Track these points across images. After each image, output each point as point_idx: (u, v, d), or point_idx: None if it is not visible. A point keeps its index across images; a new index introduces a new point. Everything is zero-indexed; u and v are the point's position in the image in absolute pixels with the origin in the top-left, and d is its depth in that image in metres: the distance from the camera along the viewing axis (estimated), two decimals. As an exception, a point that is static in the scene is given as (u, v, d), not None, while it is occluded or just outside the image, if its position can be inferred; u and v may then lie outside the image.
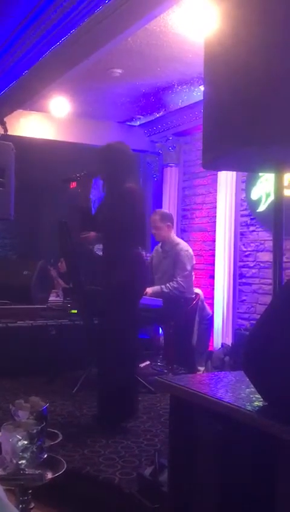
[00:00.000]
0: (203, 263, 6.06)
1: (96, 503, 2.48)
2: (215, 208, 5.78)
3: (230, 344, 5.29)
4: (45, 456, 1.69)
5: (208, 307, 5.50)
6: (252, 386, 1.54)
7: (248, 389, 1.61)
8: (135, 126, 6.76)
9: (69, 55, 4.25)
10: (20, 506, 1.66)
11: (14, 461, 1.61)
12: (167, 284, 4.74)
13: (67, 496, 2.44)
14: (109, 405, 3.32)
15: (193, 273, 5.06)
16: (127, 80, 5.21)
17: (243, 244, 5.51)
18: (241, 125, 1.61)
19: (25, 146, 5.60)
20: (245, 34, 1.60)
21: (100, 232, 3.47)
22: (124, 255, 3.35)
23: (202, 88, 4.52)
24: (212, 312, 5.55)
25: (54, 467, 1.76)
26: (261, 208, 5.22)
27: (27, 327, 4.78)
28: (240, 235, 5.54)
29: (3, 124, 5.43)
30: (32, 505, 1.73)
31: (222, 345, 5.32)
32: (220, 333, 5.49)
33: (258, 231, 5.35)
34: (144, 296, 4.32)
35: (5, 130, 5.44)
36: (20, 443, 1.61)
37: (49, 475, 1.72)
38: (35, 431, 1.64)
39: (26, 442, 1.61)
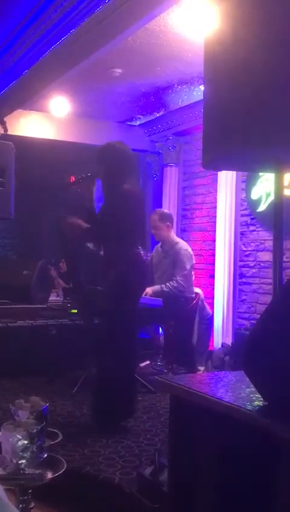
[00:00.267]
0: (203, 263, 6.06)
1: (96, 503, 2.48)
2: (216, 207, 5.78)
3: (230, 344, 5.29)
4: (45, 455, 1.69)
5: (208, 307, 5.50)
6: (252, 385, 1.54)
7: (248, 389, 1.61)
8: (135, 126, 6.76)
9: (69, 55, 4.25)
10: (20, 505, 1.65)
11: (14, 461, 1.61)
12: (167, 283, 4.75)
13: (67, 495, 2.44)
14: (107, 405, 3.32)
15: (192, 273, 5.06)
16: (127, 79, 5.21)
17: (243, 244, 5.51)
18: (241, 125, 1.61)
19: (25, 146, 5.60)
20: (245, 34, 1.60)
21: (100, 231, 3.46)
22: (124, 255, 3.35)
23: (202, 88, 4.52)
24: (213, 312, 5.55)
25: (54, 466, 1.76)
26: (262, 207, 5.22)
27: (27, 327, 4.77)
28: (240, 235, 5.54)
29: (3, 124, 5.43)
30: (32, 504, 1.73)
31: (222, 345, 5.32)
32: (220, 333, 5.49)
33: (258, 231, 5.35)
34: (144, 296, 4.32)
35: (5, 129, 5.44)
36: (20, 443, 1.61)
37: (49, 475, 1.72)
38: (35, 431, 1.63)
39: (26, 442, 1.61)
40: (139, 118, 6.53)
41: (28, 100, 5.41)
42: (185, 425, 1.73)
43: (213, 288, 5.69)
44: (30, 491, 1.68)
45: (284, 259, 1.99)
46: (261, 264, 5.27)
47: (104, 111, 6.24)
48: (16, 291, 5.11)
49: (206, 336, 5.42)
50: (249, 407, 1.45)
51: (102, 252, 3.56)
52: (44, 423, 1.69)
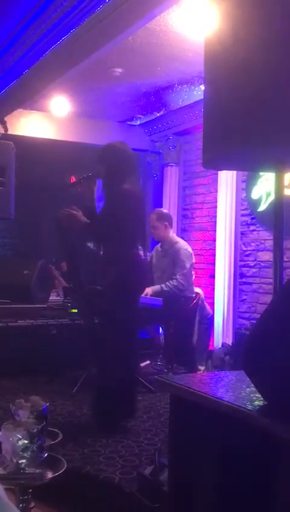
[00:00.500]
0: (203, 262, 6.06)
1: (96, 503, 2.48)
2: (216, 207, 5.78)
3: (230, 343, 5.29)
4: (45, 455, 1.69)
5: (208, 307, 5.50)
6: (252, 385, 1.54)
7: (248, 389, 1.61)
8: (135, 125, 6.76)
9: (70, 55, 4.25)
10: (21, 505, 1.66)
11: (15, 460, 1.61)
12: (167, 283, 4.75)
13: (68, 495, 2.44)
14: (107, 404, 3.32)
15: (192, 272, 5.06)
16: (128, 79, 5.21)
17: (244, 244, 5.51)
18: (242, 125, 1.61)
19: (25, 145, 5.60)
20: (245, 34, 1.60)
21: (100, 231, 3.46)
22: (124, 255, 3.35)
23: (202, 87, 4.52)
24: (213, 311, 5.55)
25: (54, 466, 1.76)
26: (262, 207, 5.22)
27: (27, 326, 4.78)
28: (240, 235, 5.54)
29: (4, 123, 5.43)
30: (33, 504, 1.73)
31: (223, 345, 5.32)
32: (221, 332, 5.49)
33: (258, 230, 5.35)
34: (144, 296, 4.32)
35: (6, 129, 5.44)
36: (20, 442, 1.61)
37: (50, 474, 1.72)
38: (35, 430, 1.64)
39: (26, 442, 1.61)
40: (140, 117, 6.53)
41: (28, 100, 5.41)
42: (185, 425, 1.73)
43: (213, 288, 5.69)
44: (30, 490, 1.68)
45: (285, 259, 1.99)
46: (262, 264, 5.27)
47: (105, 111, 6.24)
48: (16, 291, 5.11)
49: (207, 336, 5.42)
50: (249, 407, 1.45)
51: (101, 252, 3.55)
52: (44, 423, 1.69)
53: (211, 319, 5.50)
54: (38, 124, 6.25)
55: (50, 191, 6.20)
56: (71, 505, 2.44)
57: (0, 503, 0.99)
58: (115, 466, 2.69)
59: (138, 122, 6.71)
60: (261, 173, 4.99)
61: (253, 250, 5.39)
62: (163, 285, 4.74)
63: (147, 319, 4.46)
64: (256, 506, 1.48)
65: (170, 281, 4.76)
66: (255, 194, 5.31)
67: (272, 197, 4.86)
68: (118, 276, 3.33)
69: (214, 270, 5.73)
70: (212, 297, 5.66)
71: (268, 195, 5.10)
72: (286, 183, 1.87)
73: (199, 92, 5.38)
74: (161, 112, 6.28)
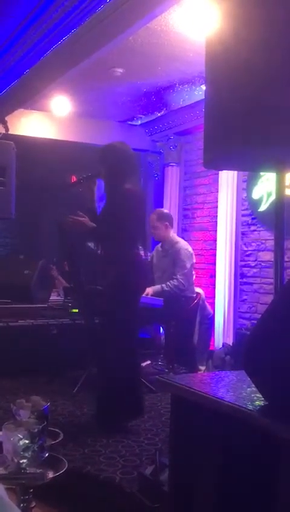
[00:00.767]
0: (204, 262, 6.06)
1: (97, 502, 2.48)
2: (217, 207, 5.78)
3: (231, 343, 5.29)
4: (46, 455, 1.69)
5: (209, 307, 5.50)
6: (253, 385, 1.54)
7: (249, 389, 1.61)
8: (136, 125, 6.76)
9: (70, 55, 4.25)
10: (21, 505, 1.66)
11: (16, 460, 1.61)
12: (167, 283, 4.75)
13: (68, 495, 2.44)
14: (107, 405, 3.32)
15: (193, 272, 5.06)
16: (128, 79, 5.21)
17: (244, 244, 5.51)
18: (242, 125, 1.61)
19: (26, 145, 5.60)
20: (246, 34, 1.60)
21: (101, 231, 3.46)
22: (124, 255, 3.36)
23: (203, 87, 4.52)
24: (213, 311, 5.55)
25: (55, 466, 1.76)
26: (263, 207, 5.22)
27: (28, 326, 4.78)
28: (241, 235, 5.54)
29: (5, 123, 5.43)
30: (34, 504, 1.73)
31: (223, 345, 5.32)
32: (221, 333, 5.49)
33: (259, 230, 5.35)
34: (145, 296, 4.32)
35: (6, 129, 5.45)
36: (21, 442, 1.61)
37: (50, 474, 1.72)
38: (36, 430, 1.64)
39: (27, 442, 1.61)
40: (140, 117, 6.53)
41: (29, 99, 5.41)
42: (186, 425, 1.73)
43: (214, 288, 5.69)
44: (31, 490, 1.68)
45: (286, 259, 1.98)
46: (262, 264, 5.27)
47: (105, 110, 6.24)
48: (16, 291, 5.12)
49: (207, 336, 5.42)
50: (250, 407, 1.45)
51: (100, 251, 3.55)
52: (45, 423, 1.69)
53: (211, 319, 5.50)
54: (39, 124, 6.25)
55: (51, 191, 6.21)
56: (72, 504, 2.44)
57: (2, 503, 0.99)
58: (116, 466, 2.69)
59: (139, 122, 6.71)
60: (262, 173, 4.98)
61: (254, 250, 5.39)
62: (164, 285, 4.74)
63: (147, 318, 4.46)
64: (256, 506, 1.48)
65: (171, 281, 4.76)
66: (256, 194, 5.31)
67: (272, 197, 4.86)
68: (119, 276, 3.33)
69: (214, 270, 5.73)
70: (213, 297, 5.66)
71: (269, 195, 5.10)
72: (286, 183, 1.87)
73: (199, 92, 5.38)
74: (162, 112, 6.28)
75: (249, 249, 5.45)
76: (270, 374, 1.45)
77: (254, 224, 5.42)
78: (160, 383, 1.91)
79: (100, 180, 3.56)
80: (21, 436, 1.61)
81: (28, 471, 1.62)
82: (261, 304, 5.23)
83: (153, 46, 4.47)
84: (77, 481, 2.54)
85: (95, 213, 3.49)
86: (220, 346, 5.36)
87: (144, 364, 4.85)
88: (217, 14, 1.72)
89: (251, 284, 5.39)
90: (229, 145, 1.68)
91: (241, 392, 1.61)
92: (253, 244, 5.41)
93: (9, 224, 6.95)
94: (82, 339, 4.27)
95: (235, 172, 5.30)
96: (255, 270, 5.36)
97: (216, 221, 5.78)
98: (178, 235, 5.81)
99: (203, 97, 1.85)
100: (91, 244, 3.71)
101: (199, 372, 4.86)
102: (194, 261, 5.11)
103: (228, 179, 5.55)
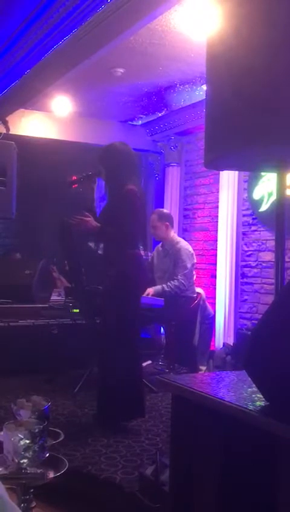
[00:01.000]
0: (205, 263, 6.06)
1: (97, 502, 2.48)
2: (217, 207, 5.78)
3: (232, 344, 5.29)
4: (47, 455, 1.69)
5: (209, 307, 5.50)
6: (253, 385, 1.54)
7: (249, 389, 1.61)
8: (136, 125, 6.76)
9: (71, 55, 4.25)
10: (22, 505, 1.66)
11: (16, 460, 1.62)
12: (168, 283, 4.75)
13: (69, 494, 2.44)
14: (109, 405, 3.32)
15: (193, 272, 5.06)
16: (129, 79, 5.21)
17: (245, 244, 5.51)
18: (243, 125, 1.61)
19: (27, 145, 5.60)
20: (247, 34, 1.60)
21: (101, 231, 3.46)
22: (125, 255, 3.36)
23: (204, 87, 4.51)
24: (214, 311, 5.55)
25: (56, 466, 1.77)
26: (263, 207, 5.22)
27: (29, 326, 4.78)
28: (242, 235, 5.54)
29: (6, 123, 5.44)
30: (34, 503, 1.73)
31: (224, 345, 5.32)
32: (222, 333, 5.49)
33: (260, 231, 5.35)
34: (146, 296, 4.32)
35: (7, 129, 5.45)
36: (22, 442, 1.61)
37: (51, 474, 1.73)
38: (37, 430, 1.64)
39: (28, 441, 1.62)
40: (141, 117, 6.53)
41: (30, 100, 5.40)
42: (187, 425, 1.73)
43: (215, 288, 5.69)
44: (32, 490, 1.68)
45: (286, 259, 1.98)
46: (263, 264, 5.27)
47: (106, 111, 6.23)
48: (17, 291, 5.12)
49: (208, 336, 5.42)
50: (250, 407, 1.45)
51: (100, 251, 3.56)
52: (46, 423, 1.69)
53: (212, 319, 5.50)
54: (40, 124, 6.25)
55: (51, 190, 6.21)
56: (72, 504, 2.44)
57: (2, 503, 0.99)
58: (116, 466, 2.69)
59: (140, 122, 6.71)
60: (262, 173, 4.98)
61: (254, 250, 5.39)
62: (164, 286, 4.74)
63: (148, 319, 4.46)
64: (257, 506, 1.48)
65: (171, 281, 4.76)
66: (256, 194, 5.31)
67: (273, 197, 4.86)
68: (119, 276, 3.34)
69: (215, 270, 5.72)
70: (214, 298, 5.66)
71: (270, 195, 5.10)
72: (287, 183, 1.87)
73: (200, 92, 5.38)
74: (163, 112, 6.28)
75: (250, 249, 5.45)
76: (271, 374, 1.45)
77: (254, 225, 5.42)
78: (161, 383, 1.91)
79: (101, 180, 3.57)
80: (22, 436, 1.61)
81: (28, 471, 1.62)
82: (262, 304, 5.23)
83: (154, 46, 4.47)
84: (78, 481, 2.54)
85: (94, 213, 3.49)
86: (221, 346, 5.36)
87: (144, 364, 4.85)
88: (218, 14, 1.71)
89: (252, 284, 5.39)
90: (230, 145, 1.68)
91: (242, 392, 1.61)
92: (254, 244, 5.41)
93: (10, 224, 6.95)
94: (83, 339, 4.27)
95: (236, 172, 5.30)
96: (256, 270, 5.36)
97: (217, 222, 5.78)
98: (179, 235, 5.82)
99: (204, 97, 1.85)
100: (92, 244, 3.71)
101: (200, 372, 4.85)
102: (195, 261, 5.11)
103: (228, 179, 5.55)
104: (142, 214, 3.60)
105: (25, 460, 1.62)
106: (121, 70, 4.99)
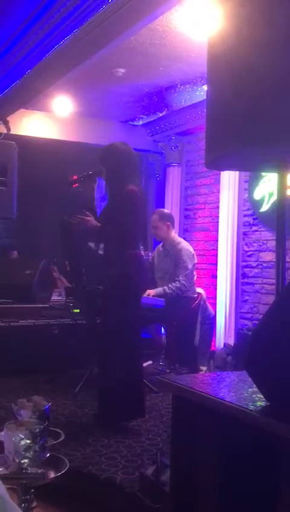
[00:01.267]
0: (205, 263, 6.06)
1: (97, 502, 2.48)
2: (218, 207, 5.78)
3: (232, 344, 5.29)
4: (47, 455, 1.69)
5: (210, 307, 5.50)
6: (254, 385, 1.54)
7: (250, 389, 1.61)
8: (137, 125, 6.76)
9: (72, 55, 4.25)
10: (23, 505, 1.66)
11: (17, 460, 1.62)
12: (169, 285, 4.73)
13: (69, 495, 2.44)
14: (110, 405, 3.32)
15: (194, 272, 5.06)
16: (130, 79, 5.21)
17: (246, 244, 5.51)
18: (244, 125, 1.61)
19: (27, 145, 5.60)
20: (248, 34, 1.60)
21: (101, 231, 3.46)
22: (125, 255, 3.36)
23: (205, 87, 4.50)
24: (215, 312, 5.55)
25: (56, 466, 1.77)
26: (264, 207, 5.22)
27: (29, 326, 4.78)
28: (242, 235, 5.54)
29: (6, 123, 5.44)
30: (35, 503, 1.73)
31: (224, 345, 5.32)
32: (223, 333, 5.49)
33: (261, 231, 5.35)
34: (146, 296, 4.32)
35: (8, 129, 5.45)
36: (22, 442, 1.61)
37: (52, 474, 1.73)
38: (37, 430, 1.64)
39: (28, 441, 1.62)
40: (142, 117, 6.53)
41: (30, 100, 5.40)
42: (187, 425, 1.73)
43: (215, 288, 5.69)
44: (32, 490, 1.68)
45: (287, 259, 1.98)
46: (264, 264, 5.27)
47: (107, 111, 6.24)
48: (18, 291, 5.12)
49: (209, 336, 5.42)
50: (251, 407, 1.45)
51: (100, 252, 3.56)
52: (46, 423, 1.69)
53: (213, 320, 5.50)
54: (41, 124, 6.25)
55: (52, 191, 6.21)
56: (73, 504, 2.44)
57: (3, 503, 0.99)
58: (117, 466, 2.69)
59: (141, 123, 6.71)
60: (263, 173, 4.98)
61: (255, 250, 5.39)
62: (165, 288, 4.72)
63: (149, 319, 4.46)
64: (258, 506, 1.48)
65: (173, 283, 4.74)
66: (257, 195, 5.31)
67: (274, 198, 4.86)
68: (120, 276, 3.34)
69: (216, 270, 5.72)
70: (214, 298, 5.66)
71: (270, 195, 5.10)
72: (288, 183, 1.87)
73: (201, 92, 5.38)
74: (164, 112, 6.28)
75: (251, 249, 5.44)
76: (271, 374, 1.45)
77: (255, 225, 5.41)
78: (161, 383, 1.91)
79: (101, 180, 3.57)
80: (22, 436, 1.61)
81: (29, 471, 1.62)
82: (262, 304, 5.23)
83: (155, 46, 4.46)
84: (78, 481, 2.54)
85: (95, 212, 3.50)
86: (222, 346, 5.36)
87: (145, 364, 4.85)
88: (219, 15, 1.72)
89: (253, 284, 5.38)
90: (230, 145, 1.68)
91: (242, 392, 1.61)
92: (254, 244, 5.41)
93: (10, 224, 6.95)
94: (83, 339, 4.27)
95: (237, 172, 5.29)
96: (256, 270, 5.35)
97: (218, 222, 5.78)
98: (179, 235, 5.81)
99: (205, 97, 1.85)
100: (92, 244, 3.72)
101: (200, 372, 4.85)
102: (196, 261, 5.11)
103: (229, 179, 5.55)
104: (142, 214, 3.60)
105: (26, 460, 1.62)
106: (122, 70, 4.99)
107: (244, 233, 5.53)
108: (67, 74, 4.66)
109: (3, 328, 4.64)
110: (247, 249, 5.49)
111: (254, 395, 1.55)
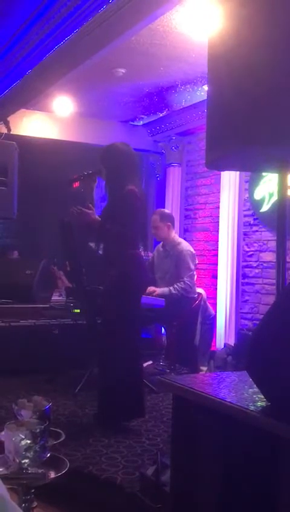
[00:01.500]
0: (206, 263, 6.06)
1: (98, 503, 2.48)
2: (218, 207, 5.78)
3: (233, 344, 5.29)
4: (48, 455, 1.69)
5: (210, 307, 5.50)
6: (255, 386, 1.54)
7: (250, 389, 1.61)
8: (138, 126, 6.76)
9: (73, 55, 4.25)
10: (23, 505, 1.66)
11: (17, 460, 1.62)
12: (175, 285, 4.71)
13: (70, 495, 2.44)
14: (110, 405, 3.32)
15: (194, 272, 5.06)
16: (131, 79, 5.21)
17: (246, 244, 5.51)
18: (244, 125, 1.61)
19: (28, 145, 5.61)
20: (248, 34, 1.60)
21: (101, 231, 3.47)
22: (125, 255, 3.36)
23: (205, 88, 4.50)
24: (215, 312, 5.55)
25: (57, 466, 1.77)
26: (265, 208, 5.22)
27: (30, 326, 4.78)
28: (243, 235, 5.54)
29: (7, 124, 5.43)
30: (35, 503, 1.74)
31: (225, 345, 5.32)
32: (223, 333, 5.49)
33: (261, 231, 5.35)
34: (149, 296, 4.32)
35: (9, 129, 5.45)
36: (23, 442, 1.61)
37: (52, 474, 1.73)
38: (38, 430, 1.64)
39: (29, 442, 1.62)
40: (142, 117, 6.53)
41: (31, 100, 5.41)
42: (188, 426, 1.73)
43: (216, 289, 5.69)
44: (33, 490, 1.69)
45: (288, 259, 1.98)
46: (264, 265, 5.27)
47: (108, 111, 6.24)
48: (18, 291, 5.12)
49: (209, 336, 5.42)
50: (251, 408, 1.45)
51: (100, 252, 3.56)
52: (47, 423, 1.69)
53: (213, 320, 5.50)
54: (41, 124, 6.26)
55: (52, 191, 6.21)
56: (73, 504, 2.44)
57: (3, 503, 0.99)
58: (117, 466, 2.69)
59: (141, 123, 6.71)
60: (264, 174, 4.98)
61: (256, 250, 5.39)
62: (171, 288, 4.70)
63: (149, 319, 4.46)
64: (258, 506, 1.48)
65: (178, 284, 4.72)
66: (258, 195, 5.31)
67: (274, 198, 4.86)
68: (120, 276, 3.34)
69: (216, 270, 5.72)
70: (215, 298, 5.66)
71: (271, 195, 5.10)
72: (289, 183, 1.87)
73: (202, 92, 5.38)
74: (164, 112, 6.28)
75: (251, 249, 5.45)
76: (272, 374, 1.45)
77: (255, 225, 5.42)
78: (161, 383, 1.91)
79: (101, 180, 3.57)
80: (23, 436, 1.61)
81: (29, 471, 1.62)
82: (263, 304, 5.23)
83: (155, 47, 4.47)
84: (78, 481, 2.54)
85: (94, 212, 3.51)
86: (222, 346, 5.36)
87: (145, 364, 4.85)
88: (219, 15, 1.72)
89: (253, 284, 5.39)
90: (231, 145, 1.68)
91: (243, 392, 1.61)
92: (255, 244, 5.41)
93: (11, 224, 6.95)
94: (84, 339, 4.27)
95: (237, 172, 5.30)
96: (257, 270, 5.35)
97: (218, 222, 5.78)
98: (180, 235, 5.81)
99: (206, 97, 1.85)
100: (92, 244, 3.72)
101: (201, 372, 4.85)
102: (197, 261, 5.11)
103: (230, 180, 5.55)
104: (142, 214, 3.60)
105: (26, 461, 1.62)
106: (123, 70, 5.00)
107: (245, 234, 5.53)
108: (68, 74, 4.66)
109: (3, 328, 4.64)
110: (247, 249, 5.49)
111: (254, 396, 1.55)
